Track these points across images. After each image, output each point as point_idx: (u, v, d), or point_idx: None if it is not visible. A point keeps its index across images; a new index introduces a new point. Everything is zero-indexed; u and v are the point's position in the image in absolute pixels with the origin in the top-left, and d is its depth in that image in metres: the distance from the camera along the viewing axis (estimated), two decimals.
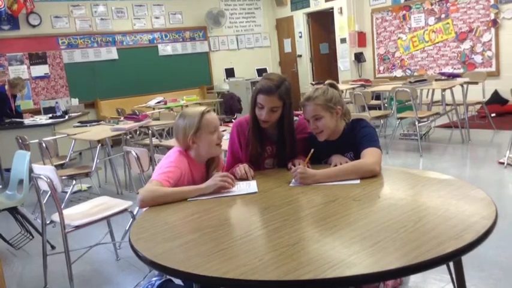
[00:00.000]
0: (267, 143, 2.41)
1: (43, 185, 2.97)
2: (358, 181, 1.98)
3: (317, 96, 2.28)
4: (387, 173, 2.12)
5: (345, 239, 1.43)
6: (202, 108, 2.27)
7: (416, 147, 5.74)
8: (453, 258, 1.36)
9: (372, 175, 2.04)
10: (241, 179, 2.21)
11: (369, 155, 2.12)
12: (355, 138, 2.27)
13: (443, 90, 5.96)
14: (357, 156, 2.22)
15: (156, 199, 1.96)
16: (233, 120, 8.04)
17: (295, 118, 2.44)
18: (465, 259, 1.50)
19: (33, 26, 8.30)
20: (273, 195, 1.94)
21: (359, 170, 2.06)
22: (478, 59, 7.78)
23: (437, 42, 8.32)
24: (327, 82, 2.42)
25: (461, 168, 5.08)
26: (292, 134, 2.37)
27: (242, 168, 2.26)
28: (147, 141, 5.37)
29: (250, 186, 2.07)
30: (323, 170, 2.09)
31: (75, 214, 3.04)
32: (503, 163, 4.72)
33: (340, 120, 2.35)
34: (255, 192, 1.98)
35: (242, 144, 2.43)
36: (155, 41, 9.46)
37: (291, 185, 2.05)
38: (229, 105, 8.24)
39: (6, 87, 7.08)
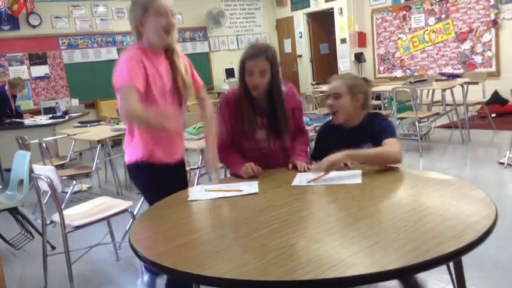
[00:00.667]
0: (257, 114, 2.41)
1: (43, 185, 2.97)
2: (359, 181, 1.98)
3: (346, 77, 2.36)
4: (387, 173, 2.12)
5: (344, 239, 1.43)
6: None
7: (417, 147, 5.74)
8: (453, 259, 1.37)
9: (396, 163, 2.10)
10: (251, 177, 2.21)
11: (392, 145, 2.16)
12: (374, 129, 2.28)
13: (444, 90, 5.96)
14: (374, 143, 2.23)
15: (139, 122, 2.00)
16: None
17: (284, 89, 2.42)
18: (465, 259, 1.50)
19: (33, 27, 8.30)
20: (273, 195, 1.94)
21: (386, 157, 2.13)
22: (478, 59, 7.79)
23: (438, 43, 8.32)
24: (361, 78, 2.46)
25: (461, 168, 5.08)
26: (282, 102, 2.37)
27: (249, 167, 2.25)
28: None
29: (251, 186, 2.07)
30: (351, 151, 2.10)
31: (75, 214, 3.05)
32: (503, 163, 4.72)
33: (359, 110, 2.36)
34: (256, 193, 1.98)
35: (231, 117, 2.43)
36: None
37: (292, 185, 2.05)
38: None
39: (7, 87, 7.09)
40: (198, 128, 3.85)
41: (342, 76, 2.37)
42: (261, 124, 2.42)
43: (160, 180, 2.21)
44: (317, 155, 2.42)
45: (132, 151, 2.24)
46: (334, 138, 2.37)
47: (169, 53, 2.22)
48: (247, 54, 2.30)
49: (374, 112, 2.43)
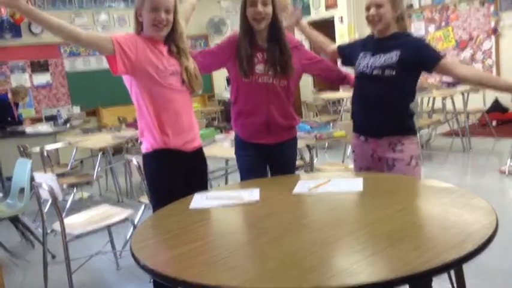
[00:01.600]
0: (256, 50, 2.48)
1: (44, 194, 2.98)
2: (360, 189, 1.97)
3: None
4: (388, 181, 2.12)
5: (346, 247, 1.43)
6: None
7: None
8: (454, 267, 1.37)
9: None
10: None
11: (464, 66, 2.37)
12: (412, 42, 2.37)
13: (444, 98, 5.97)
14: (402, 56, 2.31)
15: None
16: None
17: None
18: (466, 267, 1.50)
19: (35, 34, 8.34)
20: (274, 203, 1.94)
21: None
22: (478, 67, 7.80)
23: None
24: None
25: (462, 176, 5.08)
26: (284, 39, 2.47)
27: None
28: None
29: (252, 194, 2.07)
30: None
31: (76, 223, 3.05)
32: (504, 171, 4.72)
33: (393, 22, 2.40)
34: (257, 201, 1.98)
35: (232, 55, 2.50)
36: None
37: (293, 193, 2.05)
38: (230, 113, 8.24)
39: (9, 95, 7.12)
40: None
41: None
42: (261, 59, 2.48)
43: (174, 169, 2.26)
44: (343, 48, 2.71)
45: (147, 139, 2.26)
46: (362, 42, 2.54)
47: (170, 47, 2.29)
48: None
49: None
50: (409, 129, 2.41)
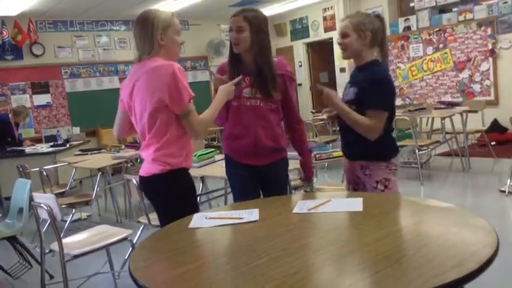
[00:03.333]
0: (245, 74, 2.54)
1: (43, 214, 2.97)
2: (359, 209, 1.97)
3: (353, 16, 2.47)
4: (388, 201, 2.12)
5: (345, 268, 1.42)
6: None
7: (417, 175, 5.74)
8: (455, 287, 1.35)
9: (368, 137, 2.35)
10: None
11: (374, 119, 2.36)
12: (366, 81, 2.40)
13: (443, 118, 6.00)
14: (358, 95, 2.40)
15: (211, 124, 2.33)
16: None
17: (274, 59, 2.60)
18: None
19: (37, 56, 8.41)
20: (274, 223, 1.93)
21: (362, 131, 2.37)
22: (476, 88, 7.86)
23: (436, 72, 8.41)
24: (375, 15, 2.55)
25: (462, 196, 5.07)
26: (269, 63, 2.53)
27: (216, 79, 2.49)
28: None
29: (251, 214, 2.06)
30: (340, 102, 2.40)
31: (74, 243, 3.03)
32: (504, 191, 4.71)
33: (368, 49, 2.45)
34: (256, 220, 1.97)
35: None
36: None
37: (292, 212, 2.04)
38: None
39: (10, 115, 7.14)
40: (199, 155, 3.87)
41: (349, 16, 2.50)
42: (249, 83, 2.55)
43: (193, 189, 2.38)
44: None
45: (165, 159, 2.27)
46: (351, 73, 2.63)
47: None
48: (232, 14, 2.53)
49: (379, 62, 2.51)
50: (377, 155, 2.49)
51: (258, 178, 2.62)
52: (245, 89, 2.55)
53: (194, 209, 2.30)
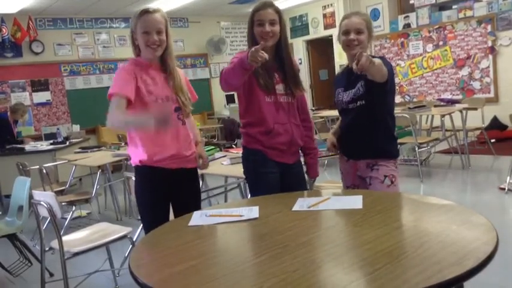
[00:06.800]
0: (272, 70, 2.50)
1: (43, 211, 2.97)
2: (359, 206, 1.97)
3: (363, 14, 2.52)
4: (387, 198, 2.12)
5: (345, 265, 1.42)
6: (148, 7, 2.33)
7: (417, 172, 5.74)
8: (454, 285, 1.35)
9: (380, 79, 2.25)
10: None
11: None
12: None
13: (443, 116, 5.99)
14: (366, 85, 2.38)
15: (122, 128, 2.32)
16: (233, 145, 8.06)
17: None
18: (467, 285, 1.49)
19: (36, 54, 8.40)
20: (274, 220, 1.93)
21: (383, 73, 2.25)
22: (476, 85, 7.85)
23: (436, 69, 8.41)
24: None
25: (461, 193, 5.07)
26: (291, 57, 2.56)
27: (255, 52, 2.07)
28: None
29: (251, 211, 2.06)
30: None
31: (74, 240, 3.03)
32: (504, 189, 4.71)
33: (367, 49, 2.51)
34: (256, 218, 1.97)
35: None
36: None
37: (292, 210, 2.04)
38: (229, 131, 8.27)
39: (8, 113, 7.14)
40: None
41: (361, 13, 2.53)
42: (279, 79, 2.53)
43: (156, 185, 2.39)
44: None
45: (134, 152, 2.40)
46: (336, 79, 2.67)
47: (163, 65, 2.41)
48: (256, 7, 2.46)
49: (379, 56, 2.52)
50: (385, 154, 2.53)
51: (282, 176, 2.57)
52: (277, 85, 2.51)
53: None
